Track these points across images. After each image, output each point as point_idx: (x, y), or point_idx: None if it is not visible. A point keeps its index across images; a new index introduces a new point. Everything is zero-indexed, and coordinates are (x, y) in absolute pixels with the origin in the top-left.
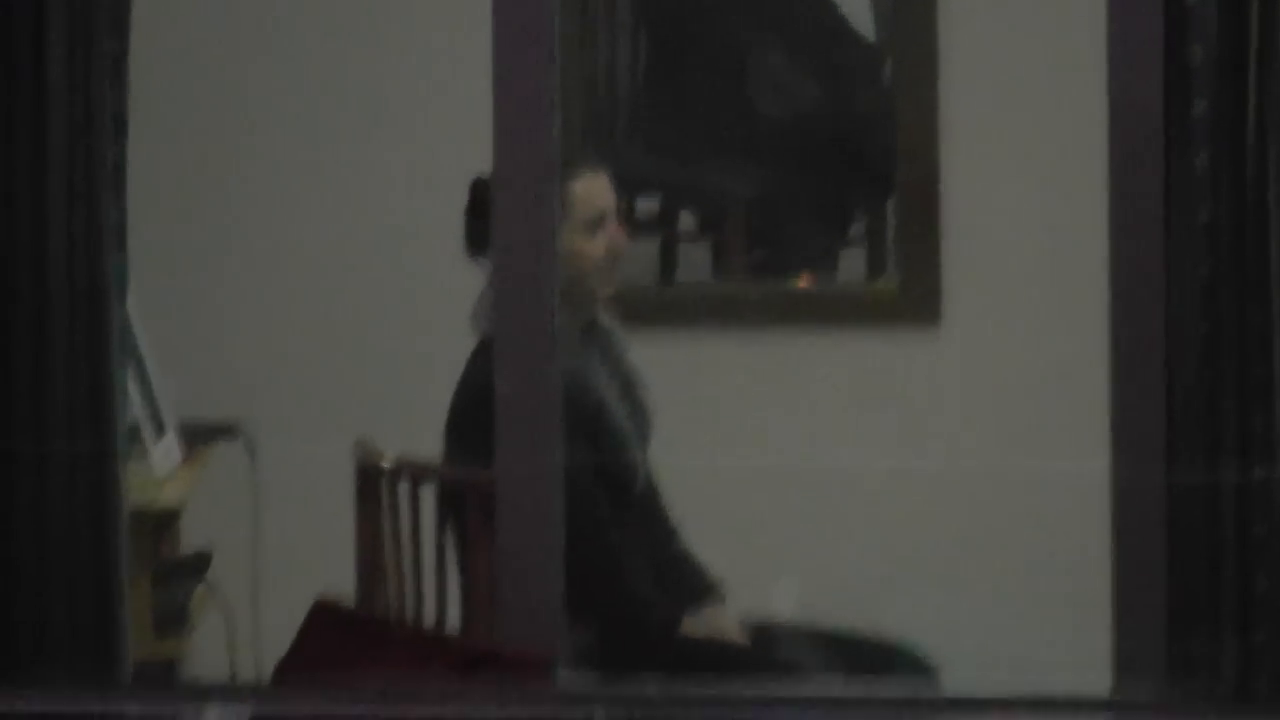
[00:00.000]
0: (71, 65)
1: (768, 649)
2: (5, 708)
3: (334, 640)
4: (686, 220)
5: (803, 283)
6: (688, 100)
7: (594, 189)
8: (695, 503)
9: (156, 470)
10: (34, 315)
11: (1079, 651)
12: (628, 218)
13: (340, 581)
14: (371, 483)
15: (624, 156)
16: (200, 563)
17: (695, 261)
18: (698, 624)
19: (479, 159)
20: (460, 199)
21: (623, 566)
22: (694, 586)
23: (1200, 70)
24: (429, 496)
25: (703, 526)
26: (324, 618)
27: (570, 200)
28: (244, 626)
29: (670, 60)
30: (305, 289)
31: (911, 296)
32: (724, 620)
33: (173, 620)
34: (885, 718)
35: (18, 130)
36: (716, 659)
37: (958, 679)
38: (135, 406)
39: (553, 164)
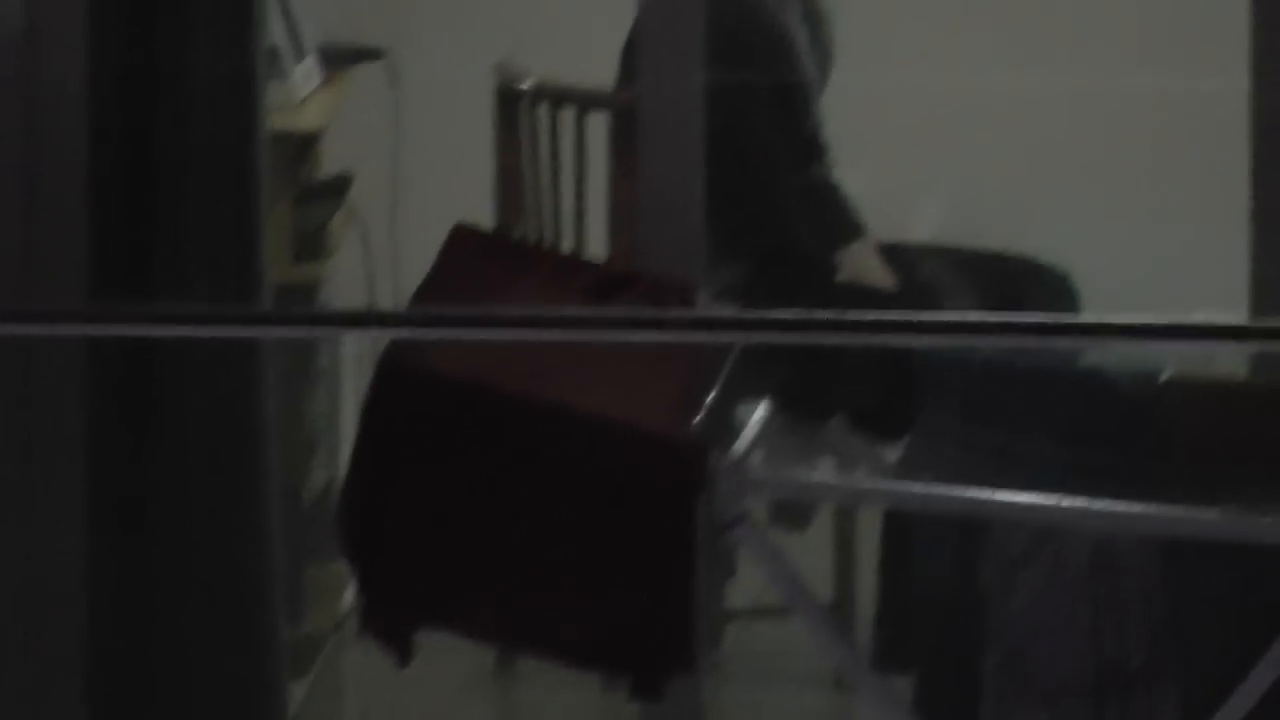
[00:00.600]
0: None
1: (910, 271)
2: (143, 331)
3: (473, 265)
4: None
5: None
6: None
7: None
8: (836, 118)
9: (297, 92)
10: None
11: (1218, 270)
12: None
13: (479, 205)
14: (511, 105)
15: None
16: (340, 186)
17: None
18: (844, 260)
19: None
20: None
21: (779, 201)
22: (844, 223)
23: None
24: (569, 120)
25: (842, 143)
26: (463, 242)
27: None
28: (383, 250)
29: None
30: None
31: None
32: (870, 258)
33: (312, 244)
34: (1027, 342)
35: None
36: (861, 300)
37: (1098, 297)
38: (276, 28)
39: None
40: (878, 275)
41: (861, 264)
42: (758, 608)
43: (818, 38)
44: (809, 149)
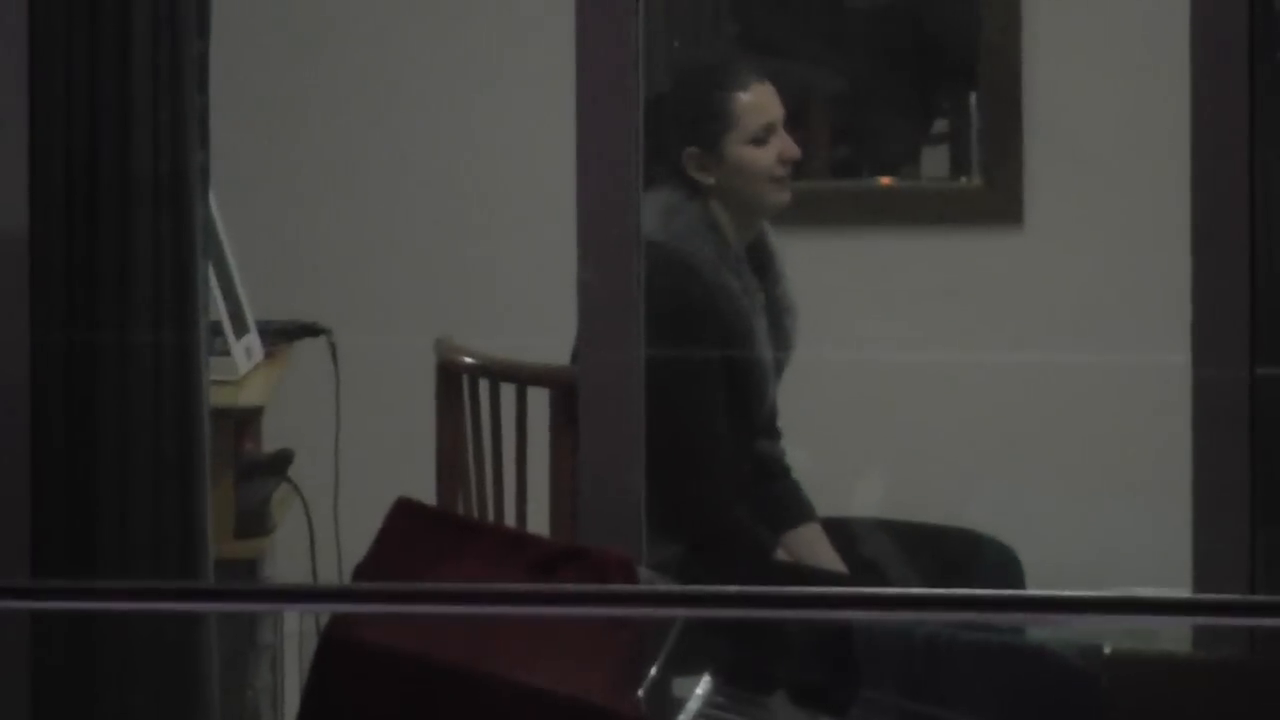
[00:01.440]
0: None
1: (853, 547)
2: (86, 607)
3: (415, 539)
4: None
5: (886, 181)
6: None
7: (762, 99)
8: (780, 398)
9: (239, 368)
10: (118, 208)
11: (1159, 546)
12: None
13: (421, 480)
14: (453, 381)
15: (709, 50)
16: (282, 462)
17: None
18: (792, 543)
19: (563, 52)
20: (540, 95)
21: (725, 489)
22: (793, 506)
23: None
24: (509, 395)
25: (786, 422)
26: (406, 517)
27: (739, 111)
28: (325, 525)
29: None
30: (388, 188)
31: (994, 195)
32: (820, 542)
33: (254, 519)
34: (970, 616)
35: (102, 22)
36: (807, 583)
37: (1039, 573)
38: (218, 304)
39: (635, 50)
40: (827, 560)
41: (810, 548)
42: None
43: (779, 325)
44: (760, 427)
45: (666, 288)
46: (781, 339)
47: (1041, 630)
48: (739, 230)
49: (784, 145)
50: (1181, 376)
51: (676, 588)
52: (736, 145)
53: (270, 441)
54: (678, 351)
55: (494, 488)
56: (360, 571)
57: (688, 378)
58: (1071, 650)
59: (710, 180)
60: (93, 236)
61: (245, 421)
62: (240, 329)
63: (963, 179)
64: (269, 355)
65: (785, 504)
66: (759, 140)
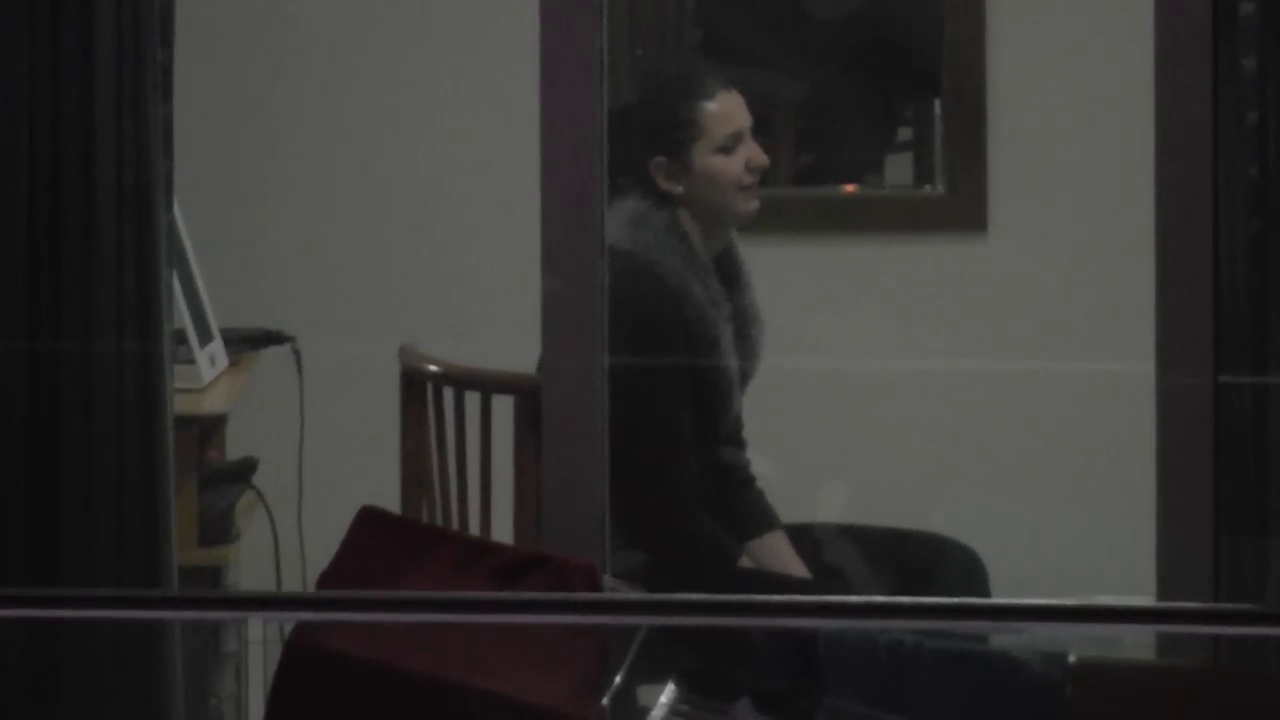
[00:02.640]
0: None
1: (817, 553)
2: (49, 615)
3: (379, 547)
4: None
5: (850, 189)
6: (738, 2)
7: (729, 108)
8: (745, 407)
9: (203, 376)
10: (82, 217)
11: (1123, 554)
12: None
13: (386, 488)
14: (416, 389)
15: (672, 59)
16: (246, 469)
17: None
18: (757, 551)
19: (527, 61)
20: (503, 102)
21: (690, 497)
22: (758, 514)
23: None
24: (473, 402)
25: (751, 429)
26: (370, 524)
27: (705, 120)
28: (289, 533)
29: None
30: (353, 195)
31: (958, 203)
32: (785, 550)
33: (218, 527)
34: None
35: (65, 34)
36: (772, 590)
37: (1003, 580)
38: (182, 312)
39: (598, 59)
40: (792, 567)
41: (775, 555)
42: None
43: (745, 335)
44: (725, 436)
45: (633, 296)
46: (747, 349)
47: (1006, 638)
48: (707, 239)
49: (752, 154)
50: (1146, 384)
51: (641, 595)
52: (704, 154)
53: (234, 449)
54: (643, 359)
55: (458, 495)
56: (325, 579)
57: (653, 386)
58: (1036, 658)
59: (678, 189)
60: (57, 245)
61: (209, 429)
62: (204, 337)
63: (927, 187)
64: (233, 363)
65: (750, 512)
66: (726, 149)
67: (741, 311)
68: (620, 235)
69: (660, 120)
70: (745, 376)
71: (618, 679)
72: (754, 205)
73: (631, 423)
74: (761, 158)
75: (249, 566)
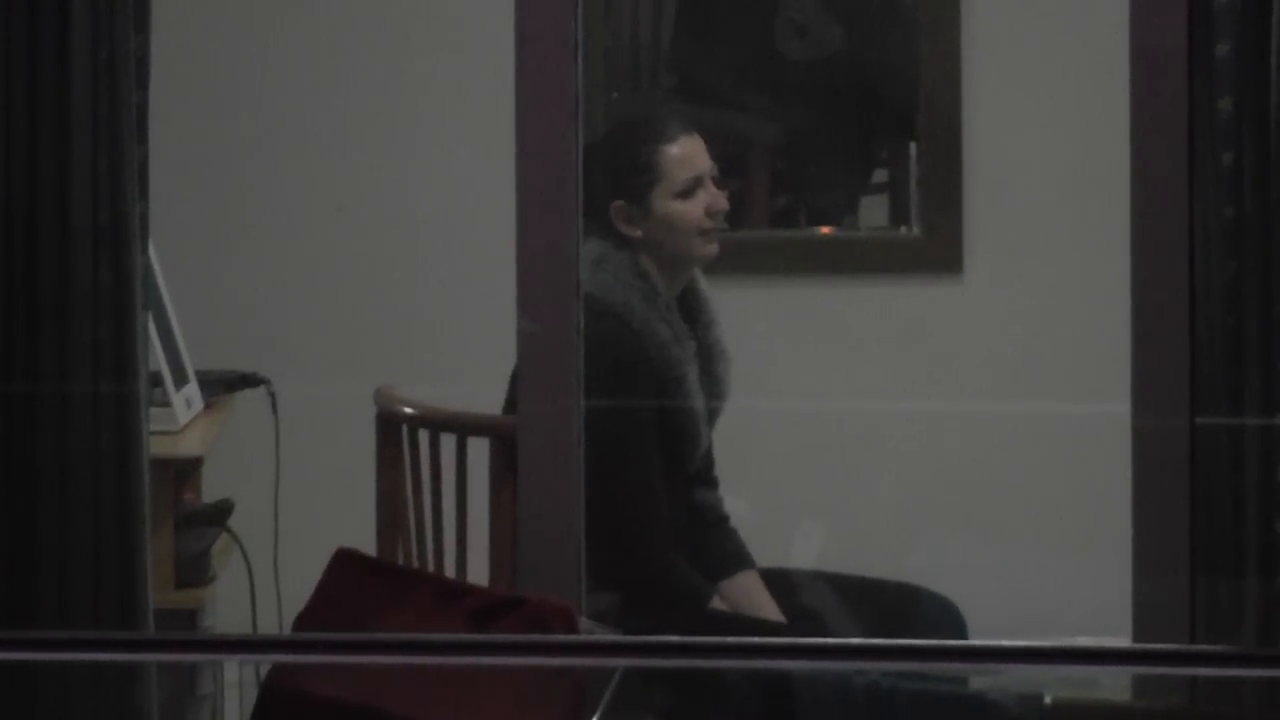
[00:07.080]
0: (95, 8)
1: (792, 596)
2: (25, 657)
3: (355, 589)
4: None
5: (825, 231)
6: (713, 45)
7: (689, 152)
8: (718, 449)
9: (178, 419)
10: (57, 258)
11: (1099, 595)
12: None
13: (361, 530)
14: (392, 431)
15: (647, 102)
16: (221, 512)
17: None
18: (730, 591)
19: (502, 104)
20: (479, 145)
21: (662, 537)
22: (729, 556)
23: (1223, 12)
24: (449, 445)
25: (725, 472)
26: (346, 566)
27: (666, 164)
28: (265, 575)
29: (696, 4)
30: (328, 238)
31: (933, 245)
32: (758, 590)
33: (194, 569)
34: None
35: (41, 73)
36: (746, 632)
37: (979, 624)
38: (158, 355)
39: (573, 101)
40: (765, 608)
41: (749, 596)
42: None
43: (711, 372)
44: (696, 475)
45: (595, 337)
46: (714, 385)
47: (982, 679)
48: (668, 280)
49: (711, 198)
50: (1121, 426)
51: (616, 637)
52: (663, 199)
53: (210, 492)
54: (610, 401)
55: (434, 537)
56: (300, 621)
57: (621, 427)
58: (1012, 699)
59: (637, 233)
60: (32, 286)
61: (185, 471)
62: (180, 379)
63: (902, 229)
64: (209, 405)
65: (723, 552)
66: (686, 194)
67: (707, 349)
68: (582, 276)
69: (620, 163)
70: (713, 414)
71: (595, 719)
72: (713, 249)
73: (601, 464)
74: (721, 202)
75: (225, 608)
